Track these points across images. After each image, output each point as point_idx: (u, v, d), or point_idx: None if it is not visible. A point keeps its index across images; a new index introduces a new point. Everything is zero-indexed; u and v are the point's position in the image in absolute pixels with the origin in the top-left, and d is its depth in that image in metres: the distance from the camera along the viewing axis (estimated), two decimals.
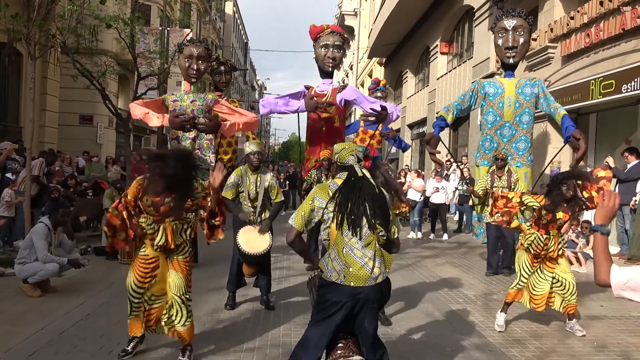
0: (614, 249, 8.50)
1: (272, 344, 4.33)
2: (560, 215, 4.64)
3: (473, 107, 7.39)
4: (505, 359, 4.17)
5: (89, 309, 5.13)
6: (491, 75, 12.28)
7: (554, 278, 4.76)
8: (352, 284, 2.79)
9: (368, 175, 3.02)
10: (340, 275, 2.80)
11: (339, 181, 2.99)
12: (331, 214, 2.89)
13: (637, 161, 7.65)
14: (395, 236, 3.08)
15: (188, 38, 6.70)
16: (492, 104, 7.03)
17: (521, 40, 6.90)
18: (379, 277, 2.84)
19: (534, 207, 4.79)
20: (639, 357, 4.27)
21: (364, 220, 2.84)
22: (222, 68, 8.42)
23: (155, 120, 5.13)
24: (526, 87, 6.93)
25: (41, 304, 5.28)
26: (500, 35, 7.02)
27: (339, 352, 2.87)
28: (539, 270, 4.83)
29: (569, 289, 4.71)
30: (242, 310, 5.33)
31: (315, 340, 2.85)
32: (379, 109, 5.53)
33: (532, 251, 4.81)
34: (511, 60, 7.01)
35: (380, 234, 2.93)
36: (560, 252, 4.80)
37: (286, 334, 4.57)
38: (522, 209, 4.94)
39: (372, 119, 5.60)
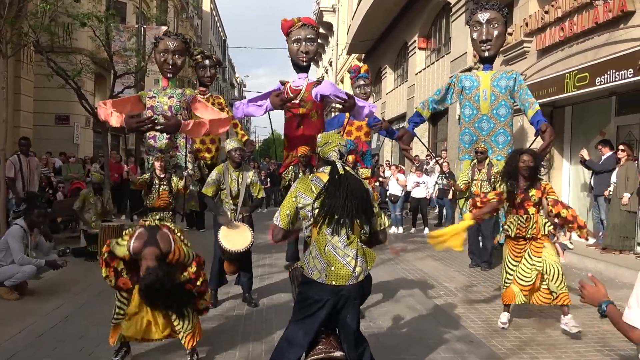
0: (590, 239, 8.66)
1: (255, 340, 4.33)
2: (533, 192, 4.64)
3: (451, 102, 7.31)
4: (486, 349, 4.22)
5: (67, 311, 5.07)
6: (469, 70, 12.39)
7: (541, 263, 4.56)
8: (333, 282, 2.78)
9: (350, 170, 3.00)
10: (322, 274, 2.79)
11: (321, 175, 2.96)
12: (315, 212, 2.86)
13: (610, 153, 7.81)
14: (381, 228, 3.06)
15: (161, 34, 6.49)
16: (469, 97, 6.97)
17: (495, 32, 6.85)
18: (360, 276, 2.84)
19: (504, 189, 4.77)
20: (616, 344, 4.35)
21: (348, 220, 2.82)
22: (207, 62, 8.19)
23: (114, 120, 5.00)
24: (502, 79, 6.87)
25: (19, 307, 5.19)
26: (475, 29, 7.00)
27: (320, 347, 2.87)
28: (525, 259, 4.65)
29: (555, 275, 4.51)
30: (225, 308, 5.31)
31: (299, 338, 2.84)
32: (344, 96, 5.51)
33: (512, 233, 4.66)
34: (486, 54, 6.97)
35: (363, 231, 2.91)
36: (548, 230, 4.62)
37: (269, 331, 4.56)
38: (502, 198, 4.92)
39: (339, 106, 5.59)
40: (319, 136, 3.17)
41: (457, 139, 7.42)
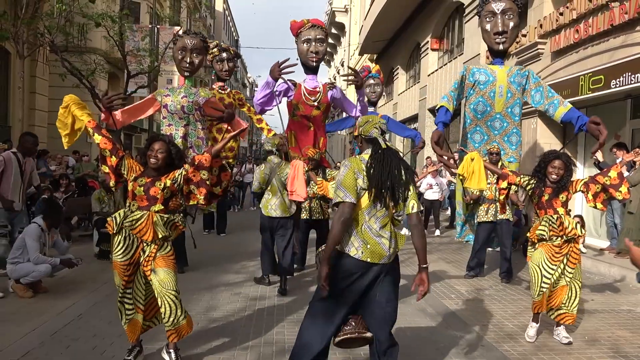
0: (604, 243, 8.58)
1: (265, 342, 4.32)
2: (561, 194, 4.47)
3: (461, 96, 6.85)
4: (497, 354, 4.19)
5: (81, 309, 5.10)
6: None
7: (571, 275, 4.42)
8: (368, 259, 2.90)
9: (391, 145, 3.10)
10: (359, 251, 2.90)
11: (366, 157, 3.02)
12: (362, 191, 2.93)
13: None
14: (414, 211, 3.01)
15: (180, 32, 6.54)
16: (483, 92, 6.54)
17: (511, 24, 6.46)
18: (392, 256, 3.00)
19: (531, 184, 4.61)
20: (630, 351, 4.31)
21: (395, 191, 2.93)
22: (225, 55, 8.04)
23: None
24: (517, 76, 6.53)
25: (33, 305, 5.24)
26: (488, 19, 6.55)
27: (349, 327, 2.95)
28: (562, 268, 4.42)
29: (575, 296, 4.43)
30: (236, 308, 5.32)
31: (329, 313, 2.91)
32: (358, 114, 5.76)
33: (547, 235, 4.40)
34: (501, 47, 6.56)
35: (396, 214, 3.03)
36: (580, 231, 4.40)
37: (280, 332, 4.56)
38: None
39: (352, 78, 5.79)
40: (358, 119, 3.29)
41: (466, 137, 6.98)
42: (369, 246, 2.90)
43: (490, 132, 6.63)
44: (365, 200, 2.93)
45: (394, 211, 3.02)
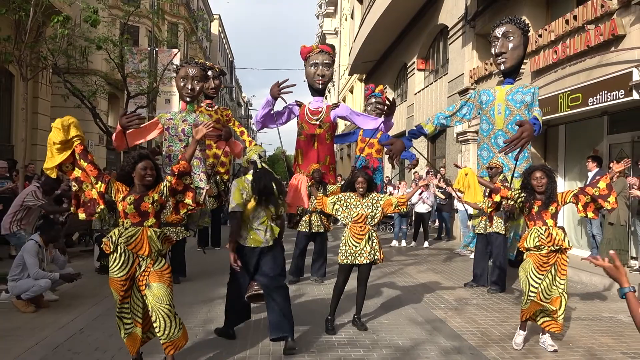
0: (585, 253, 8.80)
1: (262, 352, 4.38)
2: (551, 206, 4.57)
3: (470, 117, 7.08)
4: None
5: (82, 323, 5.13)
6: (465, 91, 12.67)
7: (562, 286, 4.50)
8: (252, 245, 4.36)
9: (266, 167, 4.48)
10: (246, 241, 4.36)
11: (249, 176, 4.43)
12: (247, 202, 4.34)
13: (597, 169, 7.90)
14: (282, 213, 4.55)
15: (177, 57, 6.91)
16: (485, 111, 6.81)
17: (510, 45, 6.70)
18: (270, 242, 4.39)
19: (521, 197, 4.70)
20: (612, 357, 4.41)
21: (269, 198, 4.35)
22: (210, 73, 8.25)
23: (116, 136, 5.45)
24: (517, 93, 6.66)
25: (34, 319, 5.27)
26: (493, 44, 6.88)
27: (251, 288, 4.45)
28: (550, 278, 4.51)
29: (562, 305, 4.50)
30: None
31: (241, 282, 4.45)
32: (371, 126, 6.28)
33: (533, 243, 4.51)
34: (502, 67, 6.82)
35: (272, 215, 4.40)
36: (567, 243, 4.52)
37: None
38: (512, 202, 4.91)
39: (386, 108, 6.23)
40: (249, 146, 4.52)
41: (456, 156, 7.32)
42: (251, 236, 4.34)
43: (495, 148, 6.81)
44: (250, 206, 4.35)
45: (271, 212, 4.41)
